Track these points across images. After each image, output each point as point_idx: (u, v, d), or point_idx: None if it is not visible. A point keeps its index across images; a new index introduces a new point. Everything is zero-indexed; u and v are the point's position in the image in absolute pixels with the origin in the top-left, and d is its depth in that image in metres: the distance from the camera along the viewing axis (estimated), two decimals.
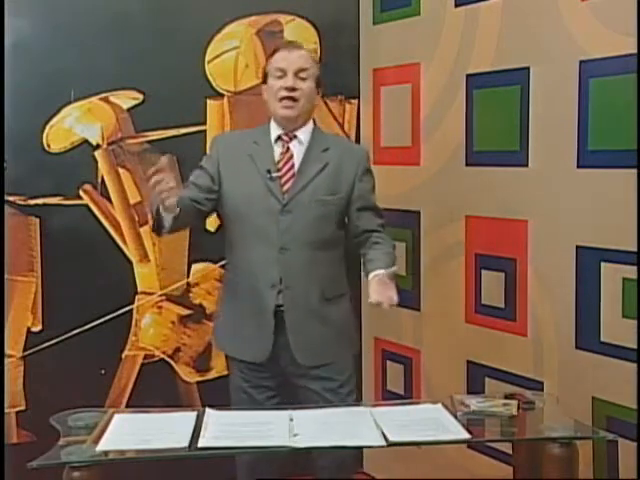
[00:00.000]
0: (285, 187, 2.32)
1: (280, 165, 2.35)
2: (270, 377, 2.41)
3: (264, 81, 2.40)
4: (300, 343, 2.34)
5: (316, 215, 2.32)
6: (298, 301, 2.33)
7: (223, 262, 3.04)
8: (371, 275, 2.24)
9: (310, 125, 2.41)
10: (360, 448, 2.15)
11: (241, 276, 2.38)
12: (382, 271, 2.21)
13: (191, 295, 3.11)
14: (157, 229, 2.26)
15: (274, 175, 2.31)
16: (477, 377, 2.83)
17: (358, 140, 3.22)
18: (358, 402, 2.51)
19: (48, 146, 2.89)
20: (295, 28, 3.16)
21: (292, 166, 2.35)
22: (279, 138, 2.38)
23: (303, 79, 2.33)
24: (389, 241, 2.42)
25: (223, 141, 2.49)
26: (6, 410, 2.84)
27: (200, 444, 1.90)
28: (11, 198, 2.84)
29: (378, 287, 2.17)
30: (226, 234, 2.44)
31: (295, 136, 2.38)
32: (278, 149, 2.37)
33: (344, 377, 2.42)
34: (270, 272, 2.31)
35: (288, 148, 2.37)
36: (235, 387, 2.46)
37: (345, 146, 2.54)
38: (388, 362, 3.23)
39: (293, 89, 2.31)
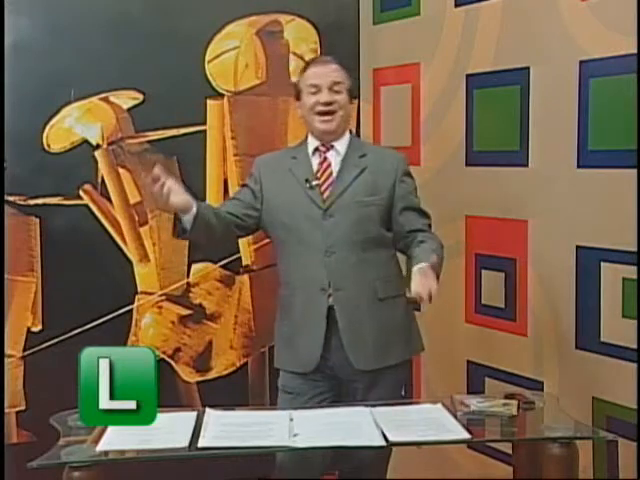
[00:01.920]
0: (325, 194, 2.37)
1: (319, 174, 2.40)
2: (324, 383, 2.40)
3: (297, 98, 2.45)
4: (353, 345, 2.34)
5: (358, 217, 2.35)
6: (349, 302, 2.34)
7: (223, 262, 3.06)
8: (414, 268, 2.20)
9: (347, 135, 2.46)
10: (360, 448, 2.15)
11: (295, 284, 2.41)
12: (425, 264, 2.18)
13: (191, 295, 3.11)
14: (180, 233, 2.31)
15: (313, 184, 2.37)
16: (477, 377, 2.83)
17: None
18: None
19: (48, 146, 2.89)
20: (295, 28, 3.16)
21: (330, 174, 2.40)
22: (316, 150, 2.43)
23: (338, 92, 2.38)
24: (436, 239, 2.39)
25: (264, 161, 2.53)
26: (6, 410, 2.84)
27: (200, 444, 1.90)
28: (11, 198, 2.84)
29: (418, 278, 2.14)
30: (277, 250, 2.50)
31: (332, 146, 2.43)
32: (316, 160, 2.43)
33: (391, 385, 2.42)
34: (319, 276, 2.34)
35: (325, 158, 2.42)
36: (288, 399, 2.42)
37: (382, 152, 2.59)
38: None
39: (329, 103, 2.36)
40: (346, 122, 2.44)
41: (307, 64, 2.49)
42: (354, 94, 2.47)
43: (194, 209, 2.23)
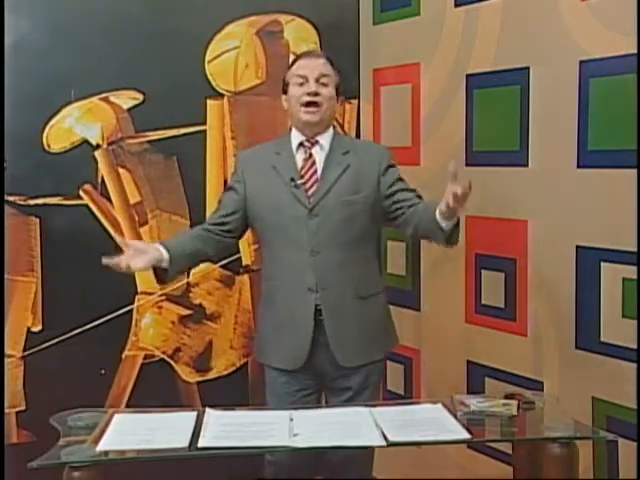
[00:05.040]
0: (310, 192, 2.37)
1: (303, 172, 2.40)
2: (310, 380, 2.45)
3: (284, 91, 2.46)
4: (339, 343, 2.38)
5: (343, 216, 2.36)
6: (334, 301, 2.37)
7: (223, 262, 3.05)
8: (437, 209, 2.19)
9: (330, 131, 2.46)
10: (360, 448, 2.14)
11: (279, 282, 2.43)
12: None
13: (191, 295, 3.11)
14: (162, 279, 2.37)
15: (298, 183, 2.37)
16: (477, 377, 2.83)
17: None
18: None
19: (48, 146, 2.89)
20: (295, 28, 3.16)
21: (315, 171, 2.40)
22: (301, 145, 2.43)
23: (325, 84, 2.39)
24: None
25: (246, 157, 2.55)
26: (6, 410, 2.84)
27: (200, 444, 1.90)
28: (11, 198, 2.84)
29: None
30: (261, 246, 2.54)
31: (317, 142, 2.43)
32: (300, 156, 2.43)
33: (373, 379, 2.48)
34: (305, 275, 2.36)
35: (311, 154, 2.42)
36: (276, 394, 2.47)
37: (365, 147, 2.60)
38: (388, 362, 3.22)
39: (316, 94, 2.36)
40: (330, 116, 2.44)
41: (296, 57, 2.52)
42: (340, 91, 2.47)
43: (165, 257, 2.29)
